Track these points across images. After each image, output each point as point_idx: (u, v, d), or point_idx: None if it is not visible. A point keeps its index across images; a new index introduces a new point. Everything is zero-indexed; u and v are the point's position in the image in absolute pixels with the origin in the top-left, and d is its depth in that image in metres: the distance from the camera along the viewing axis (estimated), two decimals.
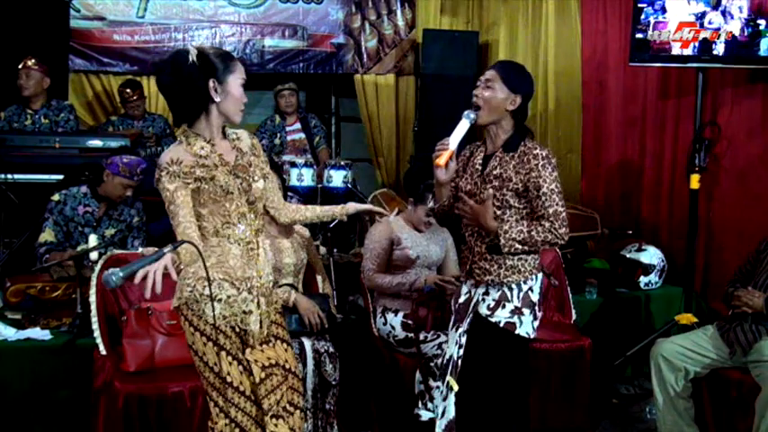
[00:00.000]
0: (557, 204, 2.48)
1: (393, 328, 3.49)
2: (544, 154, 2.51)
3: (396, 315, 3.50)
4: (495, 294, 2.55)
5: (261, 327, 2.40)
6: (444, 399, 2.59)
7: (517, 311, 2.53)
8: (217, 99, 2.29)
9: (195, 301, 2.33)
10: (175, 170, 2.26)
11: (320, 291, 3.56)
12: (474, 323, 2.57)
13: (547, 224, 2.47)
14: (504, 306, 2.53)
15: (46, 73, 4.76)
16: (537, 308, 2.58)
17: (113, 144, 4.53)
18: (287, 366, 2.46)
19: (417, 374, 3.34)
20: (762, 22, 4.00)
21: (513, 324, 2.52)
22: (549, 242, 2.48)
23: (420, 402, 3.30)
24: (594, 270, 4.58)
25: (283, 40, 6.11)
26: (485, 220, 2.50)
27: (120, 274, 1.97)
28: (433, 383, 3.27)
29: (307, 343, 3.24)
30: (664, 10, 4.22)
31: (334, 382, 3.25)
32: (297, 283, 3.44)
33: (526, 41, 5.96)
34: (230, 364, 2.36)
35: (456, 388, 2.55)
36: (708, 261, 4.58)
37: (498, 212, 2.53)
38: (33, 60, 4.71)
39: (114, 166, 3.69)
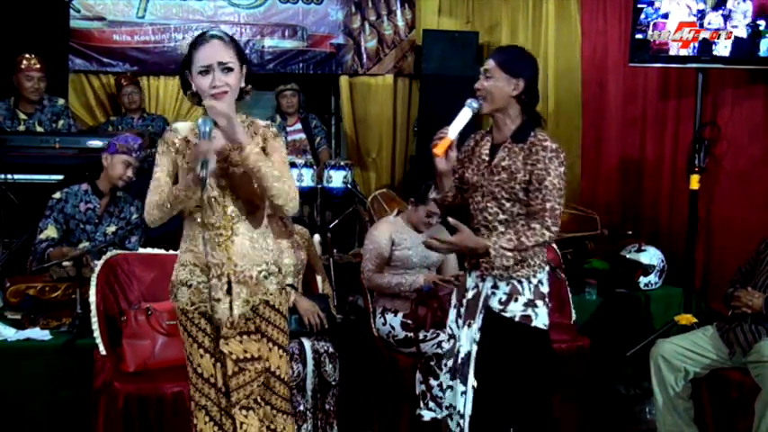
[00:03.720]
0: (554, 201, 2.42)
1: (393, 328, 3.49)
2: (554, 147, 2.45)
3: (395, 315, 3.50)
4: (505, 288, 2.50)
5: (231, 315, 2.33)
6: (464, 397, 2.55)
7: (531, 304, 2.49)
8: (194, 89, 2.35)
9: (173, 285, 2.40)
10: (168, 136, 2.38)
11: (320, 291, 3.56)
12: (486, 318, 2.52)
13: (537, 224, 2.41)
14: (516, 300, 2.49)
15: (46, 74, 4.68)
16: (547, 299, 2.56)
17: None
18: (269, 367, 2.42)
19: (417, 374, 3.34)
20: (762, 22, 4.00)
21: (529, 317, 2.49)
22: (540, 244, 2.43)
23: (422, 402, 3.30)
24: (594, 270, 4.58)
25: (283, 41, 6.11)
26: (472, 242, 2.46)
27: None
28: (433, 382, 3.27)
29: (307, 343, 3.24)
30: (663, 10, 4.22)
31: (334, 383, 3.25)
32: (297, 283, 3.44)
33: (526, 42, 5.96)
34: (201, 356, 2.37)
35: (475, 385, 2.51)
36: (708, 261, 4.58)
37: (507, 205, 2.49)
38: (37, 63, 4.58)
39: (112, 147, 3.70)
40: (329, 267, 4.04)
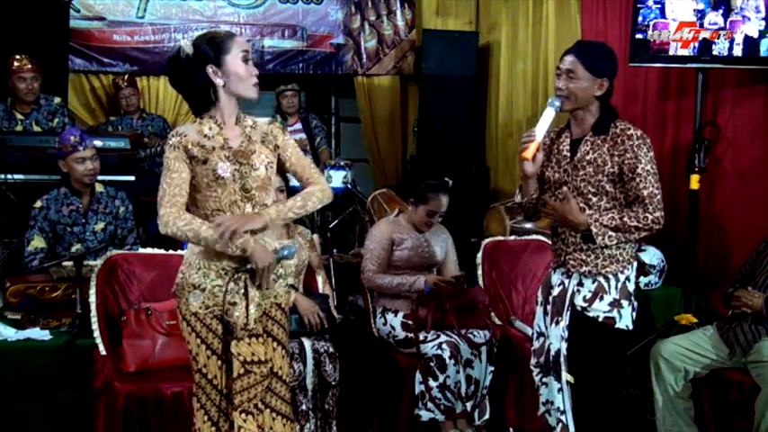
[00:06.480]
0: (652, 186, 2.41)
1: (393, 328, 3.49)
2: (639, 134, 2.44)
3: (395, 315, 3.50)
4: (590, 286, 2.49)
5: (248, 319, 2.33)
6: (561, 393, 2.56)
7: (616, 304, 2.47)
8: (220, 82, 2.30)
9: (181, 288, 2.35)
10: (177, 141, 2.31)
11: (320, 291, 3.56)
12: (573, 316, 2.51)
13: (640, 209, 2.41)
14: (601, 298, 2.47)
15: (40, 73, 4.66)
16: (633, 298, 2.52)
17: (113, 144, 4.52)
18: (272, 367, 2.42)
19: (417, 374, 3.33)
20: (762, 22, 4.00)
21: (613, 318, 2.47)
22: (644, 227, 2.41)
23: (420, 403, 3.30)
24: None
25: (283, 41, 6.11)
26: (572, 216, 2.44)
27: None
28: (433, 383, 3.27)
29: (307, 343, 3.24)
30: (663, 10, 4.22)
31: (333, 383, 3.24)
32: (297, 283, 3.44)
33: (526, 42, 5.96)
34: (208, 357, 2.37)
35: (572, 381, 2.51)
36: (708, 261, 4.57)
37: (594, 199, 2.48)
38: (29, 63, 4.57)
39: (60, 152, 3.66)
40: (329, 267, 4.05)
